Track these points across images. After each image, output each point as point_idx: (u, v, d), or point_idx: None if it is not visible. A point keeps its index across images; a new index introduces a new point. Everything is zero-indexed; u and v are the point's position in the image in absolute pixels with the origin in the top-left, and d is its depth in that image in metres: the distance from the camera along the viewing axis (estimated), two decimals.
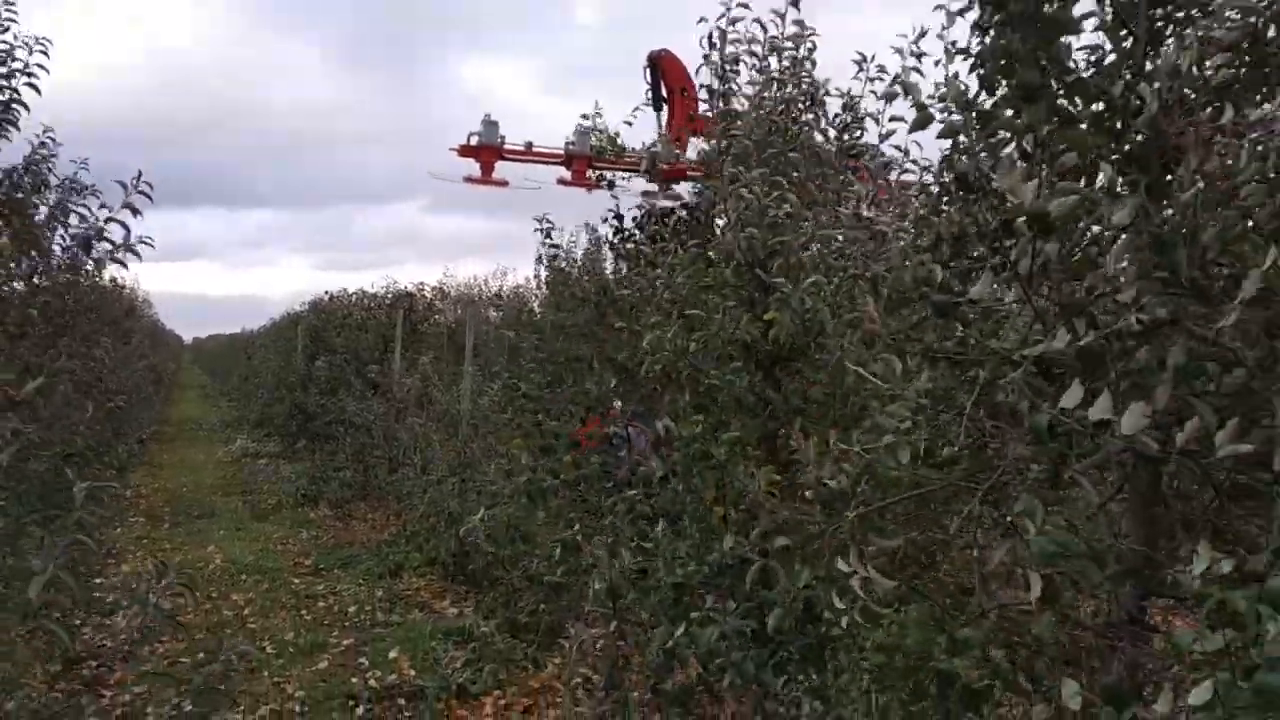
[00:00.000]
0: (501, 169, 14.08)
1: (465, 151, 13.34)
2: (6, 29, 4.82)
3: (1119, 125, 2.39)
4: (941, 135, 2.71)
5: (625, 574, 4.43)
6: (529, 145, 13.42)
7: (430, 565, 9.28)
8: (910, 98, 2.97)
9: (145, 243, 4.02)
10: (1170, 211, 2.29)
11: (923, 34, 3.89)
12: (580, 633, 5.49)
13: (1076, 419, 2.21)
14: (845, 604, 2.67)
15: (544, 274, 20.97)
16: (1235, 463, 2.25)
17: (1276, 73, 2.37)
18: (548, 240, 7.56)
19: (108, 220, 4.00)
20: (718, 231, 5.35)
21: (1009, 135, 2.58)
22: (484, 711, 6.12)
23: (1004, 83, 2.66)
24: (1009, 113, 2.59)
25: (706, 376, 4.18)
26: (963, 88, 2.82)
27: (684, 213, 5.74)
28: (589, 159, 13.16)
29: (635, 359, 5.90)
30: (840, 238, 3.86)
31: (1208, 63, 2.28)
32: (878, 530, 2.69)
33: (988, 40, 2.76)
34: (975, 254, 2.56)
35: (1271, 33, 2.42)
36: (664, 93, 11.53)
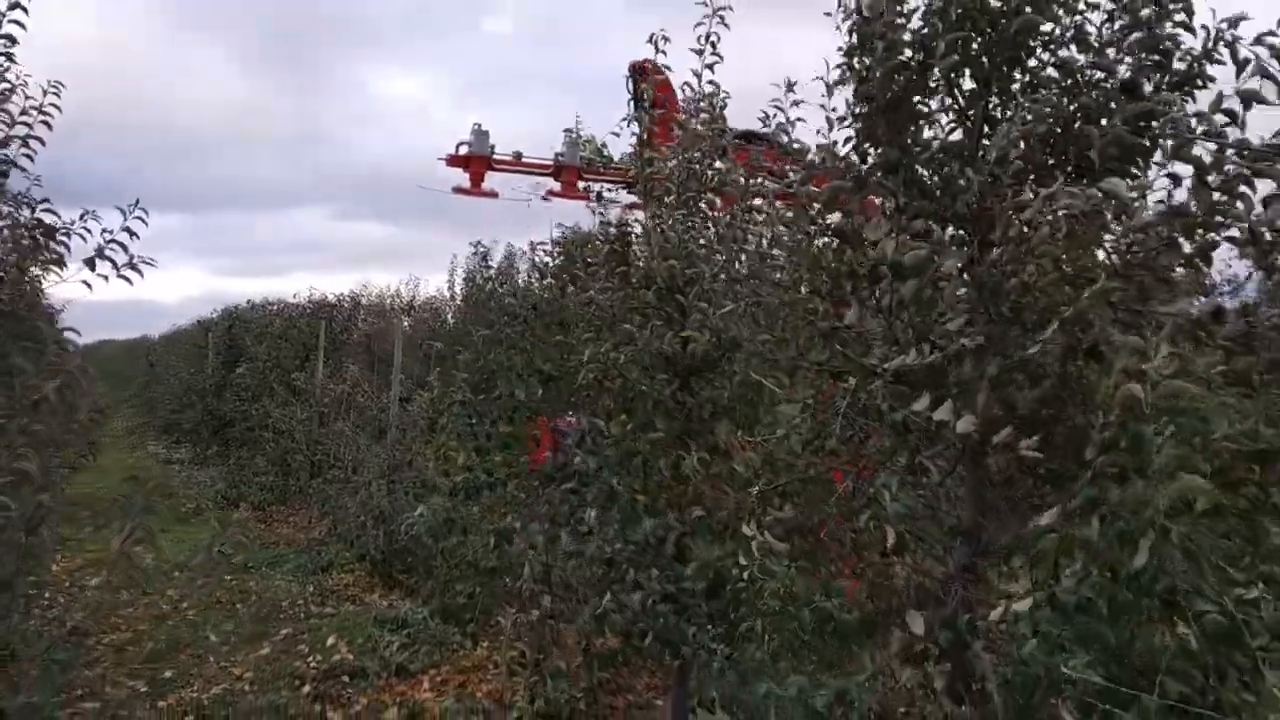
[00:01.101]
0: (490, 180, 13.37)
1: (454, 161, 12.76)
2: None
3: (953, 196, 3.16)
4: (825, 197, 3.45)
5: (561, 554, 5.10)
6: (518, 155, 13.03)
7: (360, 561, 9.80)
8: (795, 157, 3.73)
9: (148, 263, 4.55)
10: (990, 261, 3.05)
11: (791, 85, 4.64)
12: (514, 612, 6.13)
13: (924, 418, 2.96)
14: (748, 562, 3.39)
15: (460, 288, 21.34)
16: (1049, 453, 3.04)
17: (1067, 160, 3.15)
18: (484, 263, 8.17)
19: (109, 241, 4.50)
20: (636, 259, 6.05)
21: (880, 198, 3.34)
22: (422, 687, 6.71)
23: (871, 156, 3.43)
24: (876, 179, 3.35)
25: (633, 384, 4.88)
26: (840, 154, 3.58)
27: (607, 242, 6.37)
28: (579, 170, 12.86)
29: (561, 368, 6.57)
30: (744, 270, 4.59)
31: (1013, 153, 3.04)
32: (774, 504, 3.41)
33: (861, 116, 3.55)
34: (849, 291, 3.30)
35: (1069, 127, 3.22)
36: (646, 103, 11.54)
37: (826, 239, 3.31)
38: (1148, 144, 3.10)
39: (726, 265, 4.72)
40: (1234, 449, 2.35)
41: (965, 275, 3.02)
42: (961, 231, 3.23)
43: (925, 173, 3.37)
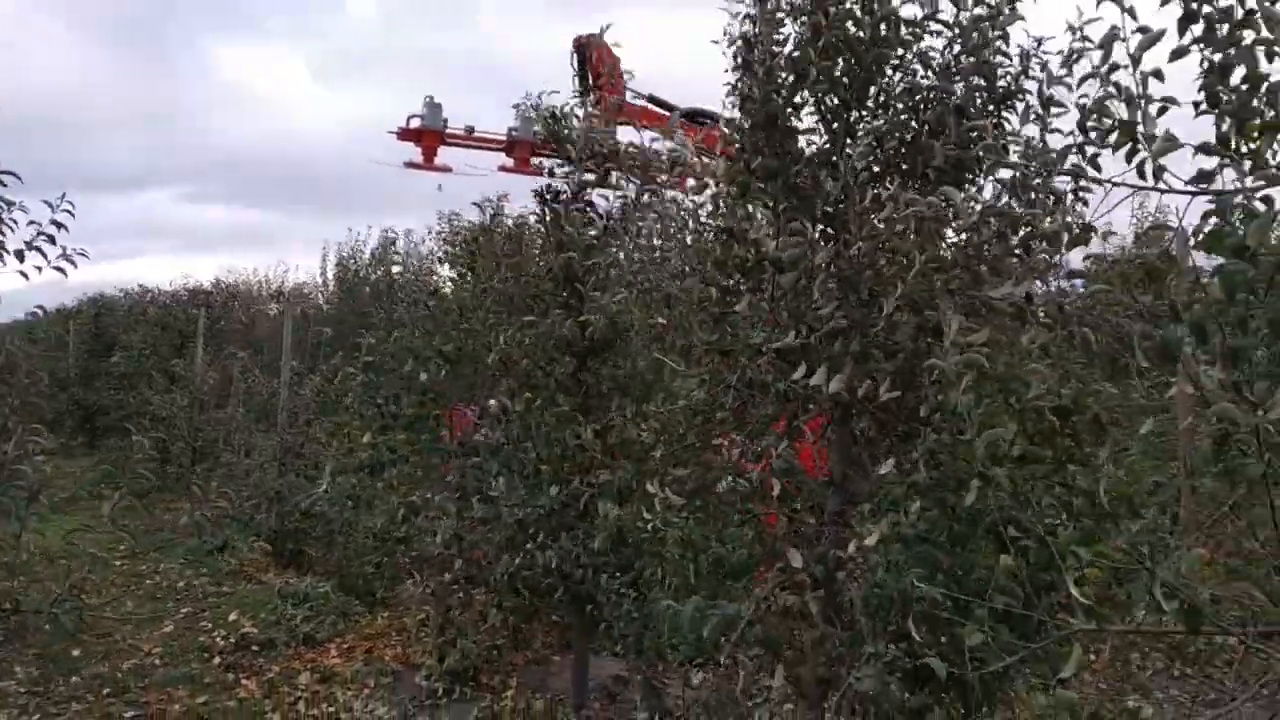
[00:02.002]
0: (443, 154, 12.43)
1: (405, 135, 12.05)
2: None
3: (820, 199, 3.73)
4: (712, 201, 3.99)
5: (471, 520, 5.55)
6: (470, 130, 12.15)
7: (256, 541, 10.00)
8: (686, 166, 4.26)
9: (82, 254, 4.79)
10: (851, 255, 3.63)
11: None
12: (422, 578, 6.55)
13: (802, 387, 3.53)
14: (652, 517, 3.91)
15: (333, 273, 21.21)
16: (904, 416, 3.65)
17: (914, 169, 3.75)
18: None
19: (38, 235, 4.72)
20: (531, 250, 6.52)
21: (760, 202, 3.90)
22: (330, 655, 7.06)
23: (754, 165, 3.98)
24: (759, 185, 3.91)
25: (536, 365, 5.36)
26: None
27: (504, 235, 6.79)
28: (532, 145, 12.04)
29: (460, 351, 6.99)
30: (638, 260, 5.10)
31: (862, 163, 3.63)
32: (674, 465, 3.95)
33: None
34: (737, 281, 3.85)
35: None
36: (591, 79, 10.97)
37: (717, 237, 3.83)
38: (978, 155, 3.73)
39: (618, 256, 5.23)
40: (1041, 407, 2.97)
41: (832, 268, 3.59)
42: (828, 229, 3.80)
43: (799, 179, 3.94)
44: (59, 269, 4.77)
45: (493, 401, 5.99)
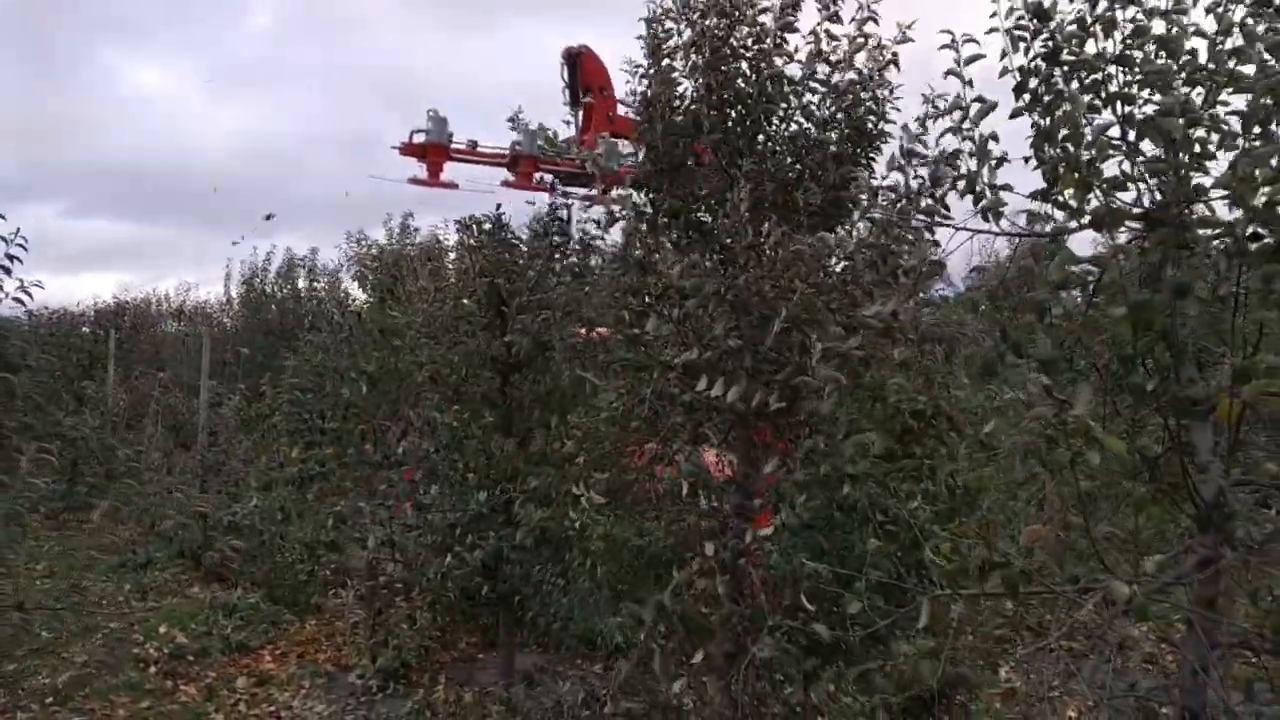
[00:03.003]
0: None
1: (409, 150, 11.62)
2: None
3: (715, 234, 4.30)
4: (624, 235, 4.53)
5: (402, 526, 5.99)
6: (473, 145, 11.86)
7: (180, 558, 10.21)
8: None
9: (38, 285, 5.11)
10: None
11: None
12: (353, 584, 6.94)
13: (705, 398, 4.08)
14: (578, 515, 4.42)
15: (237, 291, 21.19)
16: (792, 422, 4.23)
17: (796, 207, 4.34)
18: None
19: None
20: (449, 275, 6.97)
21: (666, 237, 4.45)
22: (264, 660, 7.39)
23: (661, 205, 4.53)
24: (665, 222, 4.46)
25: (463, 381, 5.83)
26: (634, 200, 4.67)
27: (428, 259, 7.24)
28: (536, 160, 11.87)
29: (383, 370, 7.41)
30: (558, 284, 5.62)
31: (745, 204, 4.20)
32: (595, 469, 4.46)
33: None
34: (647, 305, 4.39)
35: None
36: (582, 92, 10.92)
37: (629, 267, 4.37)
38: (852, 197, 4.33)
39: (540, 281, 5.74)
40: (901, 412, 3.56)
41: (726, 294, 4.15)
42: (723, 260, 4.37)
43: (698, 217, 4.50)
44: (18, 299, 5.10)
45: (412, 413, 6.43)
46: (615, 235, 4.82)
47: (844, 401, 3.39)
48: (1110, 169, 3.10)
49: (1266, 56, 2.82)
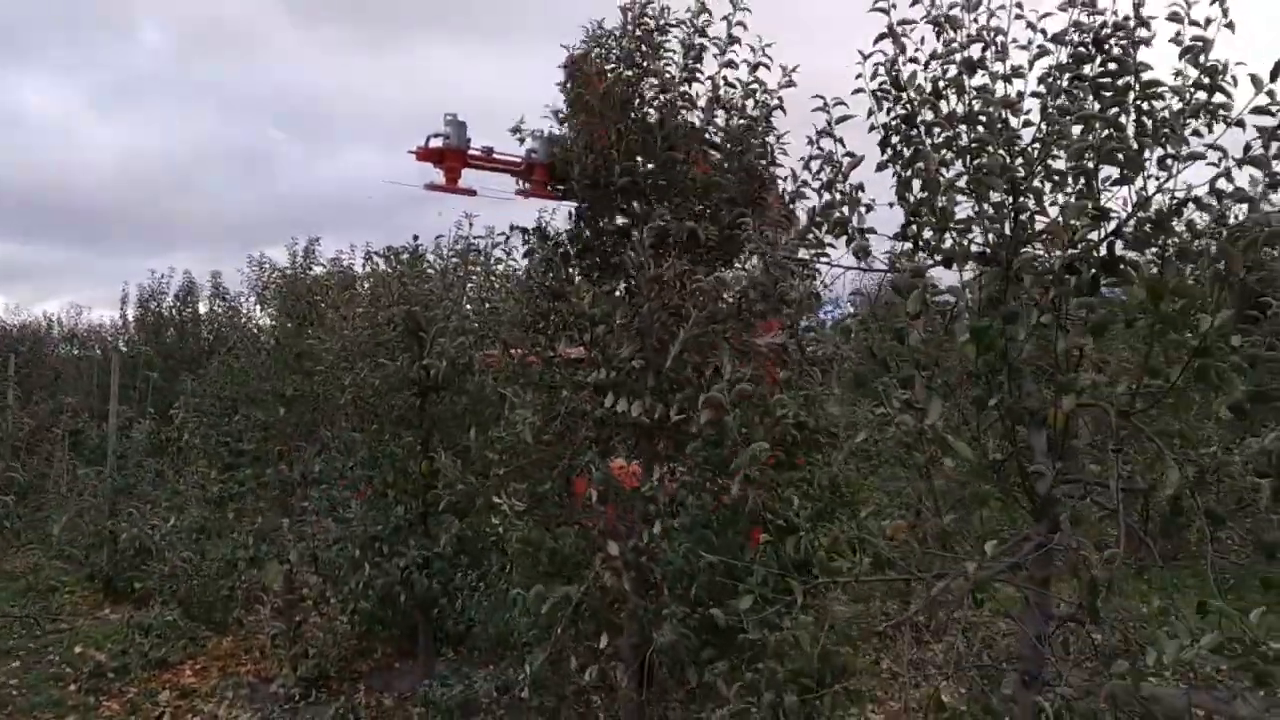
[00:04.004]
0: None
1: (425, 155, 11.27)
2: None
3: (622, 267, 4.76)
4: (537, 265, 4.96)
5: (324, 541, 6.29)
6: (489, 151, 11.30)
7: (89, 581, 10.22)
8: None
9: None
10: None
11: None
12: (273, 598, 7.18)
13: (613, 413, 4.52)
14: (499, 522, 4.82)
15: (134, 313, 20.90)
16: (689, 434, 4.69)
17: (696, 243, 4.83)
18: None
19: None
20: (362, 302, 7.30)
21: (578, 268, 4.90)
22: (185, 675, 7.56)
23: (577, 242, 4.98)
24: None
25: (383, 401, 6.17)
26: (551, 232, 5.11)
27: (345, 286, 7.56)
28: (550, 169, 10.73)
29: (299, 393, 7.70)
30: (470, 311, 6.02)
31: (648, 241, 4.68)
32: (514, 480, 4.87)
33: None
34: (561, 330, 4.82)
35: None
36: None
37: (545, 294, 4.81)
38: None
39: (455, 308, 6.13)
40: (786, 425, 4.06)
41: (632, 322, 4.61)
42: (629, 291, 4.83)
43: (608, 251, 4.96)
44: None
45: (328, 434, 6.74)
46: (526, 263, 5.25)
47: (738, 416, 3.86)
48: (964, 210, 3.65)
49: (1075, 128, 3.38)
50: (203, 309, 20.01)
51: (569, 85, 4.99)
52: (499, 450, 4.81)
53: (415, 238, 6.47)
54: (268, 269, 12.40)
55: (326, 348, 6.98)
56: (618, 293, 4.81)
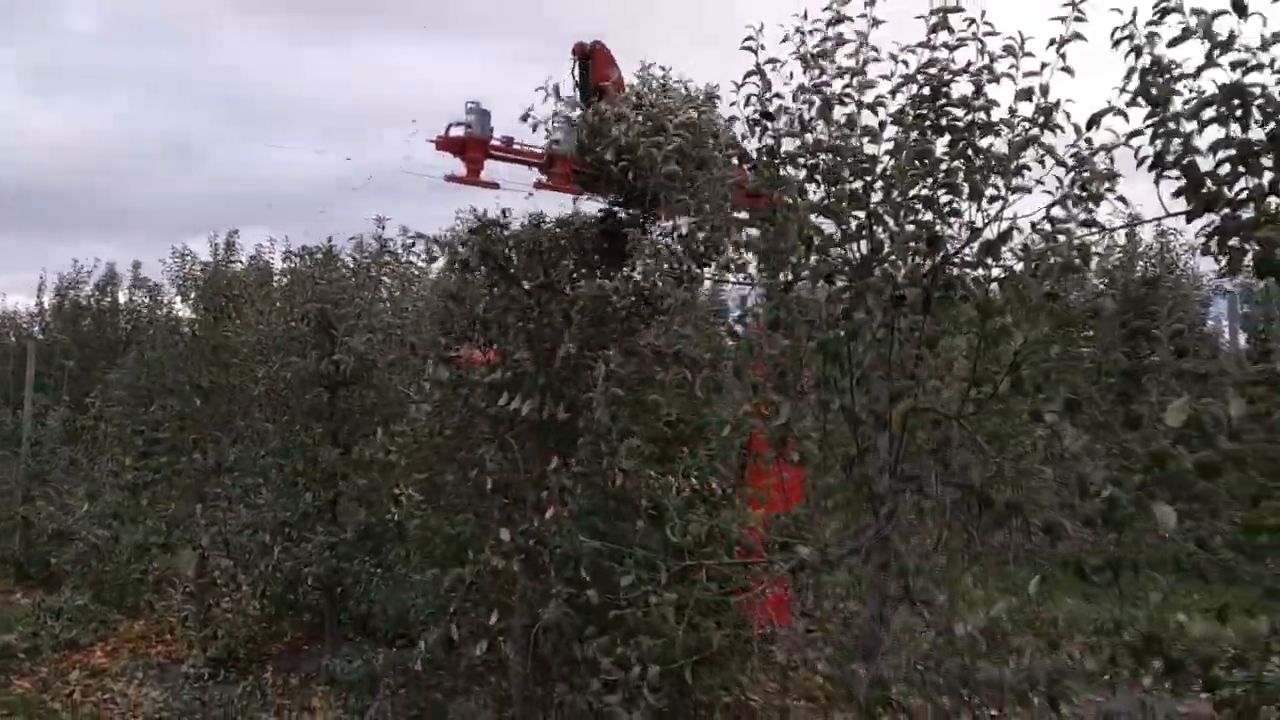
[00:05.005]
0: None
1: (445, 145, 10.56)
2: None
3: (521, 277, 5.10)
4: (444, 270, 5.27)
5: (236, 525, 6.53)
6: (509, 141, 10.61)
7: (1, 565, 10.25)
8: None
9: None
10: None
11: None
12: (184, 580, 7.39)
13: (508, 410, 4.86)
14: (399, 510, 5.13)
15: (51, 302, 20.65)
16: (578, 430, 5.05)
17: (592, 256, 5.18)
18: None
19: None
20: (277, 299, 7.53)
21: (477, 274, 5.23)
22: (96, 656, 7.70)
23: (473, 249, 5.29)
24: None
25: (294, 395, 6.43)
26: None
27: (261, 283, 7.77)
28: (573, 162, 10.08)
29: (215, 384, 7.89)
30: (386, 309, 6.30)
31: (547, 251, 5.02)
32: (415, 470, 5.18)
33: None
34: (462, 333, 5.14)
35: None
36: (595, 89, 10.20)
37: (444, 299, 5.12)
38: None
39: (367, 306, 6.41)
40: (659, 423, 4.44)
41: (525, 325, 4.95)
42: (524, 296, 5.17)
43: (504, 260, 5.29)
44: None
45: (242, 424, 6.97)
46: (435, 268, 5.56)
47: (619, 414, 4.22)
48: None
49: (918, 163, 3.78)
50: (123, 299, 19.80)
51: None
52: (399, 445, 5.10)
53: (330, 238, 6.74)
54: (189, 261, 12.45)
55: (243, 340, 7.20)
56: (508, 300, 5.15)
